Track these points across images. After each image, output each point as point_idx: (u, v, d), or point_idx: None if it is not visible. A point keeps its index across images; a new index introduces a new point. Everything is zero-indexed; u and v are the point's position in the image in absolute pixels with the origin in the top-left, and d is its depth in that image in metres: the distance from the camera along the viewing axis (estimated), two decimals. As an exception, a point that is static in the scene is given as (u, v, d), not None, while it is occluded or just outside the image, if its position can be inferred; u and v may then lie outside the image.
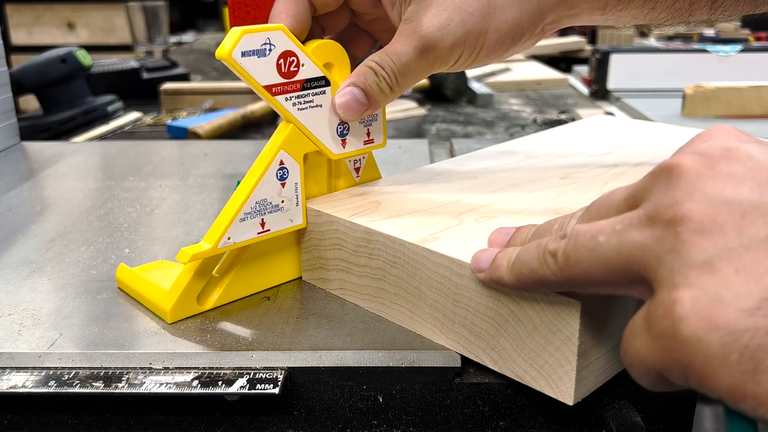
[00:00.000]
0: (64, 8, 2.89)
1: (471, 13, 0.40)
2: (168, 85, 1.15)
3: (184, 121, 0.98)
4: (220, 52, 0.38)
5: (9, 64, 0.81)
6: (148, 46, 1.56)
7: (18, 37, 2.89)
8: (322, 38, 0.44)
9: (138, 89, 1.19)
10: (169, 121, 1.00)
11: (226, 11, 1.69)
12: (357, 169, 0.47)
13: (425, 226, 0.39)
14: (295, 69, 0.41)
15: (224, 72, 1.52)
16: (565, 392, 0.33)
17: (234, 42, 0.37)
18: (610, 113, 1.09)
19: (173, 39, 2.44)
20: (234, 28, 0.38)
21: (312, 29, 0.44)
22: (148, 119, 1.06)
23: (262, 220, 0.41)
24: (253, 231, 0.41)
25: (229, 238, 0.39)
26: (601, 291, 0.28)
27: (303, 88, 0.41)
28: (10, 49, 2.59)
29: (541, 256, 0.29)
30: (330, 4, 0.43)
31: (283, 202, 0.42)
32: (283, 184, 0.41)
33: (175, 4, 2.67)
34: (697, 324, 0.22)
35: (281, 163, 0.41)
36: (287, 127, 0.41)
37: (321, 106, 0.43)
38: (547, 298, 0.32)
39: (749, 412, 0.22)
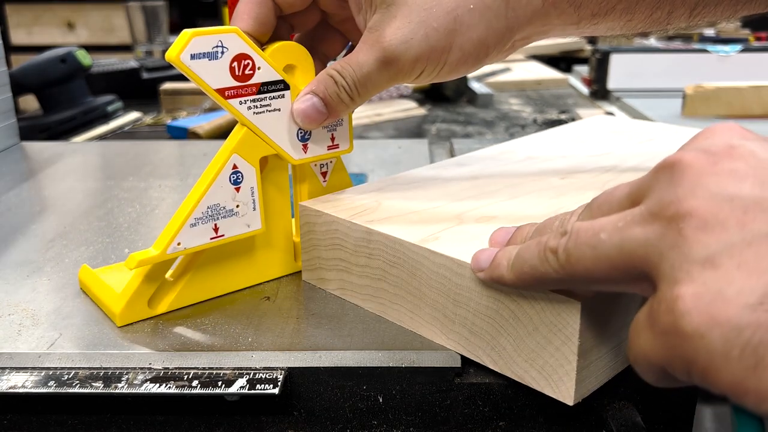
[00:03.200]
0: (64, 8, 2.89)
1: (435, 28, 0.39)
2: (168, 85, 1.15)
3: (184, 121, 0.98)
4: (169, 55, 0.37)
5: (9, 64, 0.81)
6: (148, 46, 1.56)
7: (18, 37, 2.89)
8: (290, 37, 0.43)
9: (138, 89, 1.19)
10: (169, 121, 1.00)
11: (226, 11, 1.69)
12: (324, 173, 0.46)
13: (425, 226, 0.39)
14: (251, 72, 0.40)
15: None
16: (565, 392, 0.33)
17: (183, 44, 0.37)
18: (610, 113, 1.09)
19: (173, 39, 2.43)
20: (184, 31, 0.37)
21: (280, 28, 0.43)
22: (148, 119, 1.06)
23: (215, 225, 0.40)
24: (206, 236, 0.40)
25: (179, 244, 0.39)
26: (603, 288, 0.28)
27: (259, 92, 0.40)
28: (10, 49, 2.59)
29: (542, 253, 0.29)
30: (296, 5, 0.42)
31: (238, 206, 0.41)
32: (237, 189, 0.40)
33: (175, 4, 2.67)
34: (699, 320, 0.22)
35: (234, 167, 0.40)
36: (241, 130, 0.40)
37: (279, 110, 0.42)
38: (547, 297, 0.32)
39: (753, 408, 0.22)
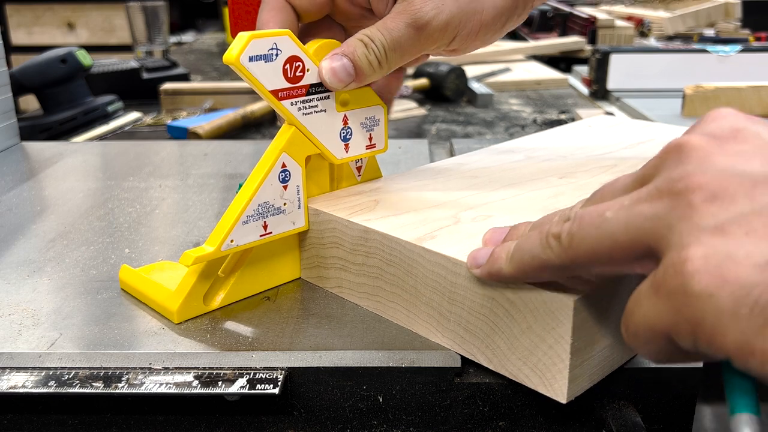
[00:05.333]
0: (64, 8, 2.89)
1: None
2: (168, 85, 1.15)
3: (184, 121, 0.98)
4: (228, 57, 0.38)
5: (9, 64, 0.81)
6: (148, 46, 1.56)
7: (18, 37, 2.89)
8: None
9: (138, 89, 1.19)
10: (169, 121, 1.00)
11: (226, 11, 1.69)
12: (359, 169, 0.48)
13: (422, 224, 0.40)
14: (301, 74, 0.41)
15: (224, 72, 1.52)
16: (558, 390, 0.33)
17: (242, 46, 0.38)
18: (610, 113, 1.09)
19: (173, 39, 2.44)
20: (242, 33, 0.38)
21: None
22: (148, 119, 1.06)
23: (265, 222, 0.41)
24: (256, 233, 0.41)
25: (232, 241, 0.39)
26: (604, 270, 0.28)
27: (308, 93, 0.41)
28: (10, 49, 2.59)
29: (544, 241, 0.30)
30: (313, 13, 0.43)
31: (285, 204, 0.42)
32: (285, 187, 0.41)
33: (175, 4, 2.67)
34: (708, 280, 0.22)
35: (283, 165, 0.41)
36: (289, 129, 0.41)
37: (325, 111, 0.43)
38: (541, 297, 0.32)
39: (757, 369, 0.22)
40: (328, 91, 0.43)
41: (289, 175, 0.41)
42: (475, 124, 1.05)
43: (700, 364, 0.37)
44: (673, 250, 0.24)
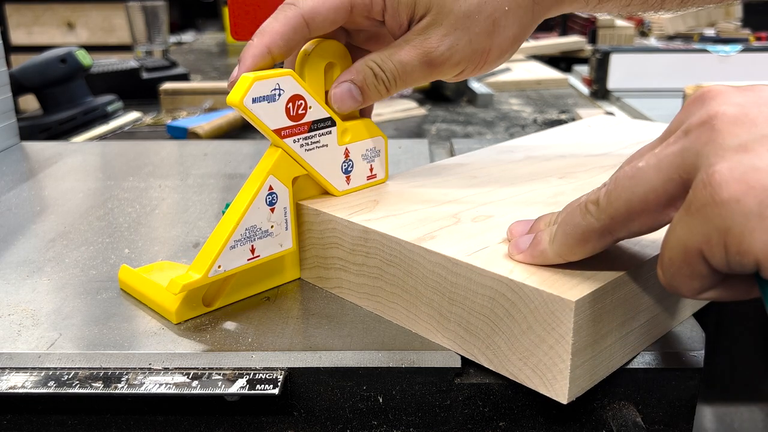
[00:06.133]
0: (64, 8, 2.89)
1: (477, 33, 0.42)
2: (168, 85, 1.15)
3: (184, 121, 0.98)
4: (232, 99, 0.38)
5: (9, 64, 0.81)
6: (147, 46, 1.56)
7: (17, 37, 2.89)
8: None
9: (138, 89, 1.19)
10: (168, 121, 1.00)
11: (226, 11, 1.69)
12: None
13: (422, 224, 0.39)
14: (303, 112, 0.41)
15: (224, 72, 1.52)
16: (559, 391, 0.33)
17: (245, 89, 0.38)
18: (610, 113, 1.09)
19: (173, 39, 2.43)
20: (245, 75, 0.38)
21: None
22: (148, 119, 1.06)
23: (252, 246, 0.41)
24: (243, 258, 0.40)
25: (219, 267, 0.39)
26: (642, 223, 0.30)
27: (310, 130, 0.42)
28: (10, 49, 2.59)
29: (583, 208, 0.31)
30: (326, 27, 0.42)
31: (272, 227, 0.41)
32: (272, 209, 0.41)
33: (175, 4, 2.67)
34: (735, 187, 0.25)
35: (270, 188, 0.41)
36: (276, 152, 0.41)
37: (327, 145, 0.43)
38: (542, 296, 0.32)
39: None
40: (330, 126, 0.43)
41: (276, 197, 0.41)
42: (475, 124, 1.05)
43: (701, 365, 0.37)
44: (701, 171, 0.26)
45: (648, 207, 0.29)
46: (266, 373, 0.36)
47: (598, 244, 0.32)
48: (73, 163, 0.74)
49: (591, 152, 0.55)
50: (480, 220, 0.40)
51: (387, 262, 0.39)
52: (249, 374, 0.36)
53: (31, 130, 0.92)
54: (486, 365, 0.36)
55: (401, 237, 0.38)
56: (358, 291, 0.42)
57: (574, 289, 0.32)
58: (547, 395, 0.33)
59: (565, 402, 0.33)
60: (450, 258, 0.35)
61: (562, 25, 1.93)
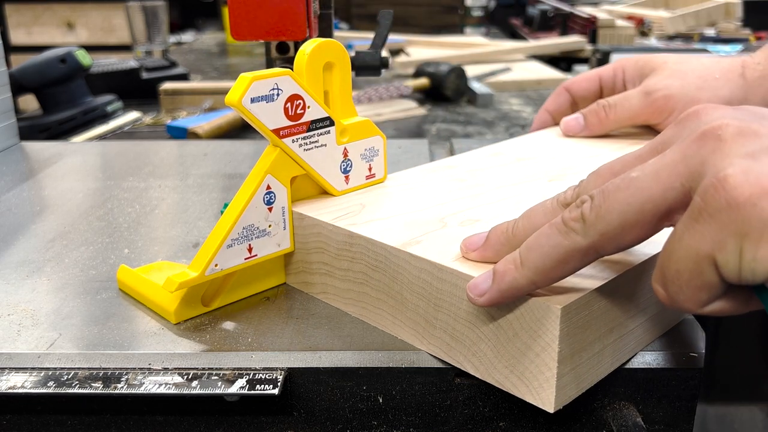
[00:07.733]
0: (64, 8, 2.89)
1: (689, 83, 0.54)
2: (168, 85, 1.15)
3: (184, 121, 0.98)
4: (230, 99, 0.38)
5: (8, 64, 0.81)
6: (147, 46, 1.56)
7: (17, 37, 2.89)
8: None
9: (137, 89, 1.19)
10: (168, 121, 1.00)
11: (225, 11, 1.69)
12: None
13: (408, 229, 0.39)
14: (302, 111, 0.41)
15: (224, 72, 1.52)
16: (546, 399, 0.32)
17: (244, 89, 0.38)
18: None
19: (173, 39, 2.43)
20: (243, 75, 0.38)
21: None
22: (148, 119, 1.06)
23: (250, 245, 0.41)
24: (240, 257, 0.40)
25: (216, 265, 0.39)
26: (633, 236, 0.28)
27: (309, 129, 0.42)
28: (10, 49, 2.59)
29: (562, 228, 0.29)
30: (589, 99, 0.60)
31: (270, 226, 0.41)
32: (270, 209, 0.41)
33: (175, 4, 2.67)
34: (751, 190, 0.24)
35: (268, 187, 0.41)
36: (274, 151, 0.41)
37: (325, 145, 0.43)
38: (527, 303, 0.31)
39: None
40: (328, 126, 0.43)
41: (274, 196, 0.41)
42: (475, 123, 1.05)
43: (701, 365, 0.37)
44: (708, 177, 0.25)
45: (643, 219, 0.27)
46: (266, 374, 0.36)
47: (579, 264, 0.30)
48: (72, 163, 0.74)
49: (583, 154, 0.54)
50: (467, 224, 0.40)
51: (372, 267, 0.39)
52: (249, 374, 0.36)
53: (31, 130, 0.92)
54: (472, 373, 0.35)
55: (386, 242, 0.37)
56: (344, 296, 0.41)
57: (560, 295, 0.31)
58: (534, 404, 0.33)
59: (551, 411, 0.32)
60: (435, 263, 0.35)
61: (563, 24, 1.93)
